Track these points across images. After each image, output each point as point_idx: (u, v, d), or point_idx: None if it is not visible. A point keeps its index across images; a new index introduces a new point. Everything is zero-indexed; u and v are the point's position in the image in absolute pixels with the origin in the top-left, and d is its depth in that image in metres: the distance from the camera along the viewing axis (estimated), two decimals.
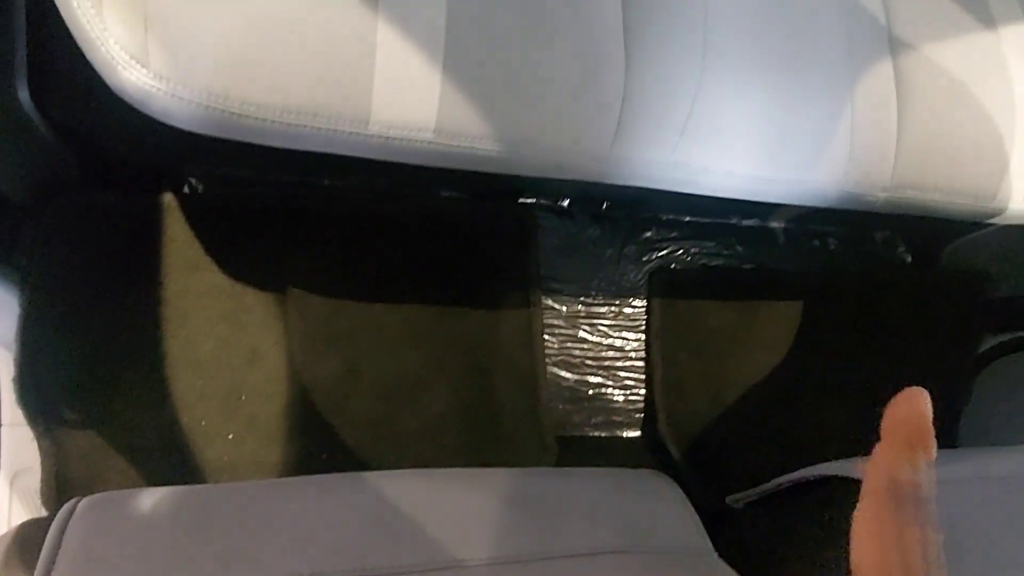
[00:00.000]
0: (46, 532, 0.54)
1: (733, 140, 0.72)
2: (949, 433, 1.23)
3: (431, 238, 1.03)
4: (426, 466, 0.69)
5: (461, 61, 0.62)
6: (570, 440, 1.13)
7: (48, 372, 0.87)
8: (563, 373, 1.15)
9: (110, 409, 0.88)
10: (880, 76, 0.75)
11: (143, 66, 0.56)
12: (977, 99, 0.77)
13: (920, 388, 0.27)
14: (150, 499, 0.58)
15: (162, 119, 0.59)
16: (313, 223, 0.98)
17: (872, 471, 0.25)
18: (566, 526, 0.61)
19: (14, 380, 0.85)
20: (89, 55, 0.57)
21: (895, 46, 0.76)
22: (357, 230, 1.00)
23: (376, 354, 0.99)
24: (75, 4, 0.55)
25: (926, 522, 0.24)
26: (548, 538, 0.60)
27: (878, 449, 0.26)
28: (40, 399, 0.86)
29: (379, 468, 0.73)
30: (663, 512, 0.66)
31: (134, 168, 0.95)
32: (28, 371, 0.85)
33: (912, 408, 0.27)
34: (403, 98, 0.61)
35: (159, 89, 0.56)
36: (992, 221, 0.85)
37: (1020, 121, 0.80)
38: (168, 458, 0.90)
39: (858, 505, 0.25)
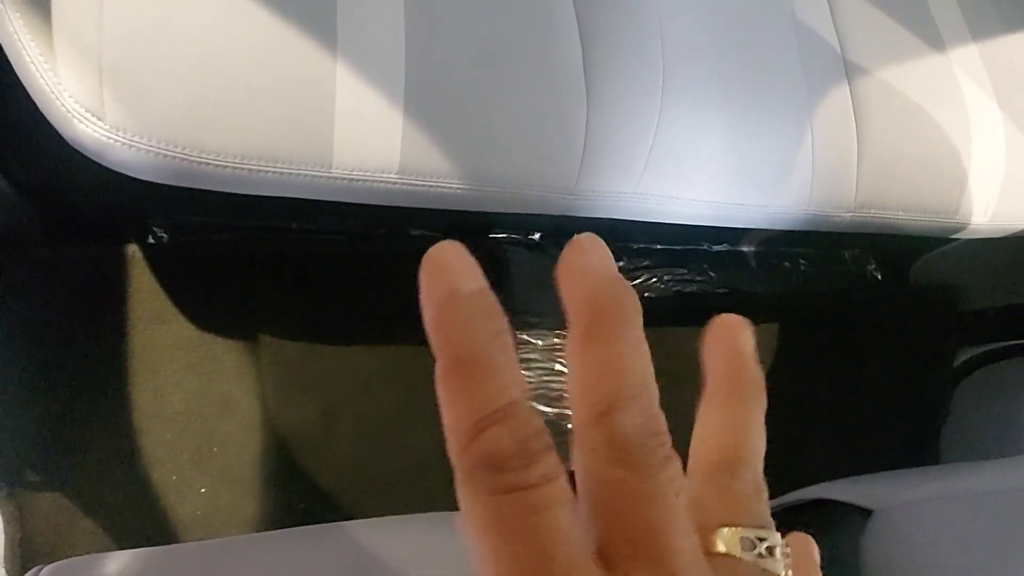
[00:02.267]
0: None
1: (697, 169, 0.73)
2: (931, 448, 1.24)
3: (403, 277, 1.02)
4: (410, 509, 0.68)
5: (422, 101, 0.62)
6: None
7: (9, 433, 0.84)
8: (542, 408, 1.14)
9: (76, 469, 0.86)
10: (837, 100, 0.77)
11: (99, 118, 0.55)
12: (932, 119, 0.79)
13: None
14: (118, 563, 0.56)
15: (121, 170, 0.58)
16: (282, 267, 0.97)
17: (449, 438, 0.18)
18: None
19: None
20: (45, 110, 0.56)
21: (850, 71, 0.78)
22: (327, 272, 0.99)
23: (352, 396, 0.97)
24: (28, 59, 0.54)
25: (557, 507, 0.17)
26: None
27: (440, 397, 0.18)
28: (2, 462, 0.83)
29: (361, 515, 0.71)
30: None
31: (96, 220, 0.94)
32: None
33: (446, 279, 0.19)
34: (365, 139, 0.61)
35: (116, 140, 0.55)
36: (956, 236, 0.87)
37: (975, 138, 0.81)
38: (139, 516, 0.87)
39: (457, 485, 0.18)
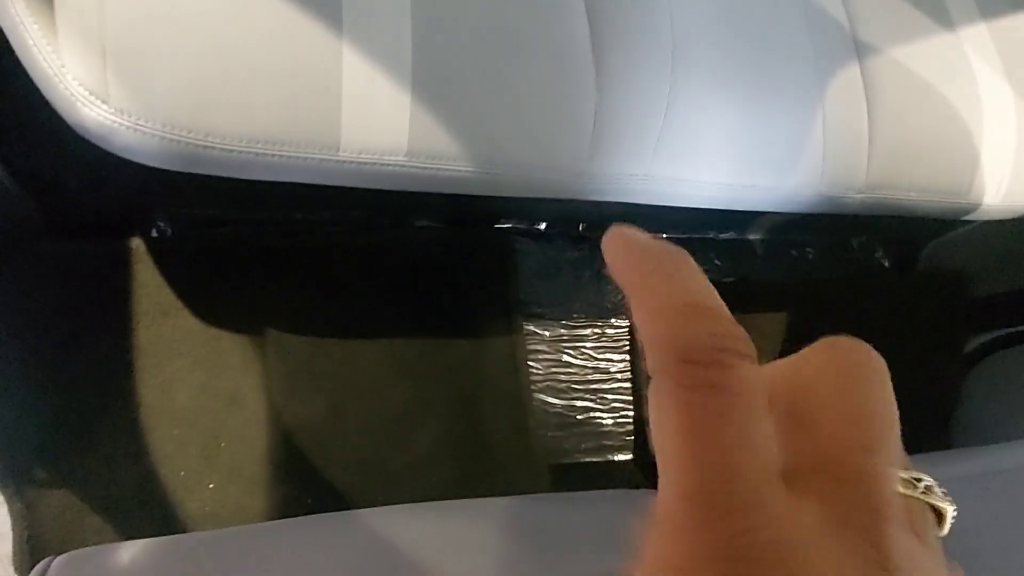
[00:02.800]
0: None
1: (707, 150, 0.72)
2: (941, 435, 1.23)
3: (409, 269, 1.02)
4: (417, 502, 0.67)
5: (430, 82, 0.61)
6: (562, 467, 1.11)
7: (16, 430, 0.83)
8: (550, 399, 1.13)
9: (83, 465, 0.85)
10: (848, 80, 0.76)
11: (103, 101, 0.54)
12: (944, 97, 0.78)
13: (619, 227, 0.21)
14: (129, 553, 0.55)
15: (125, 155, 0.57)
16: (287, 260, 0.96)
17: (647, 342, 0.18)
18: (572, 553, 0.59)
19: None
20: (47, 93, 0.55)
21: (860, 50, 0.77)
22: (333, 265, 0.98)
23: (359, 391, 0.96)
24: (31, 42, 0.54)
25: (750, 417, 0.16)
26: (555, 566, 0.57)
27: (634, 312, 0.18)
28: (8, 459, 0.82)
29: (368, 508, 0.70)
30: None
31: (99, 214, 0.93)
32: None
33: (628, 237, 0.19)
34: (373, 121, 0.60)
35: (121, 124, 0.55)
36: (968, 217, 0.86)
37: (987, 118, 0.81)
38: (147, 512, 0.86)
39: (650, 386, 0.18)
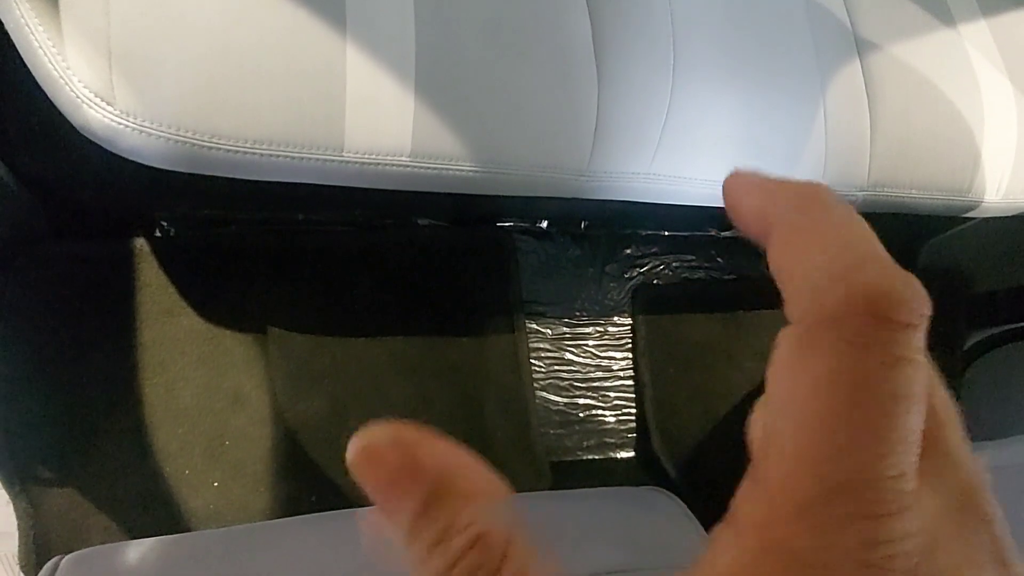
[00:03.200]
0: None
1: (709, 148, 0.72)
2: None
3: (411, 268, 1.02)
4: None
5: (434, 82, 0.62)
6: (564, 465, 1.11)
7: (22, 430, 0.84)
8: (552, 397, 1.13)
9: (88, 464, 0.85)
10: (849, 77, 0.76)
11: (109, 103, 0.55)
12: (945, 95, 0.79)
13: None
14: (137, 551, 0.56)
15: (131, 157, 0.58)
16: (290, 259, 0.96)
17: (805, 283, 0.14)
18: (572, 549, 0.59)
19: None
20: (53, 95, 0.56)
21: (862, 48, 0.78)
22: (335, 264, 0.98)
23: (361, 389, 0.97)
24: (36, 44, 0.54)
25: (922, 403, 0.13)
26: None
27: (780, 254, 0.15)
28: (14, 459, 0.83)
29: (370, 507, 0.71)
30: (669, 528, 0.64)
31: (103, 214, 0.93)
32: (0, 430, 0.82)
33: (757, 177, 0.16)
34: (377, 122, 0.60)
35: (126, 126, 0.55)
36: (969, 215, 0.86)
37: (988, 115, 0.81)
38: (152, 511, 0.86)
39: (787, 335, 0.15)
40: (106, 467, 0.86)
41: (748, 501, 0.15)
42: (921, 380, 0.14)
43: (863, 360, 0.13)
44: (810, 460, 0.14)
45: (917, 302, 0.14)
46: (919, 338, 0.14)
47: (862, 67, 0.77)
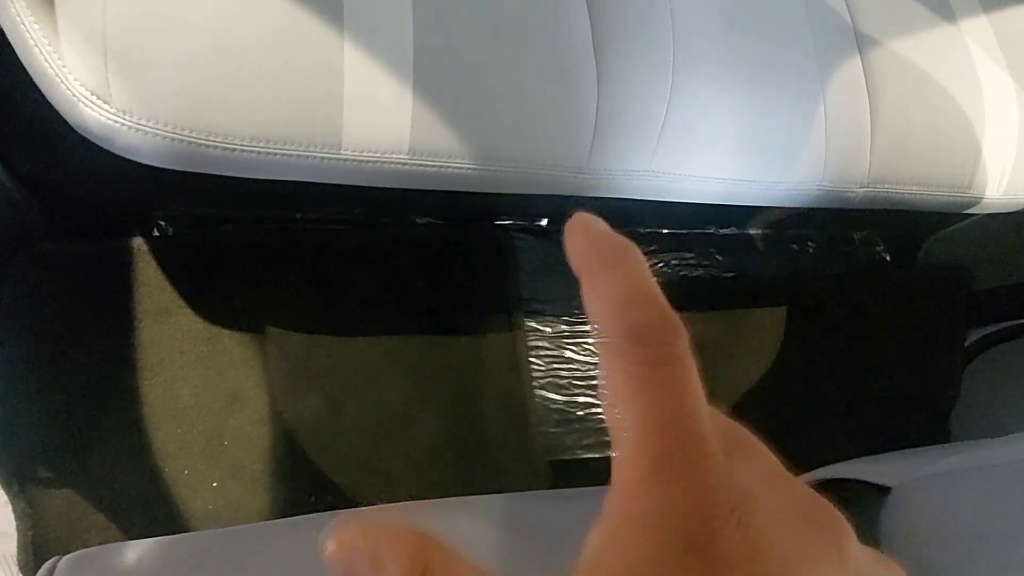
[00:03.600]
0: None
1: (709, 145, 0.72)
2: (940, 429, 1.23)
3: (408, 266, 1.01)
4: (417, 499, 0.67)
5: (432, 80, 0.61)
6: (562, 464, 1.11)
7: (19, 430, 0.83)
8: (551, 395, 1.13)
9: (87, 464, 0.85)
10: (849, 73, 0.76)
11: (105, 102, 0.54)
12: (946, 91, 0.78)
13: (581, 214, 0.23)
14: (136, 552, 0.55)
15: (127, 155, 0.57)
16: (287, 258, 0.96)
17: (599, 319, 0.20)
18: (573, 549, 0.59)
19: None
20: (49, 94, 0.55)
21: (862, 43, 0.77)
22: (333, 262, 0.98)
23: (359, 389, 0.96)
24: (32, 42, 0.53)
25: (700, 387, 0.19)
26: (556, 563, 0.57)
27: (587, 297, 0.21)
28: (12, 459, 0.82)
29: (369, 506, 0.70)
30: None
31: (100, 213, 0.93)
32: None
33: (587, 227, 0.21)
34: (374, 120, 0.60)
35: (123, 124, 0.55)
36: (969, 212, 0.86)
37: (988, 111, 0.81)
38: (150, 511, 0.86)
39: (602, 364, 0.20)
40: (104, 467, 0.86)
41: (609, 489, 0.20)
42: (690, 373, 0.19)
43: (643, 369, 0.18)
44: (634, 442, 0.18)
45: (667, 329, 0.19)
46: (677, 349, 0.19)
47: (862, 63, 0.77)
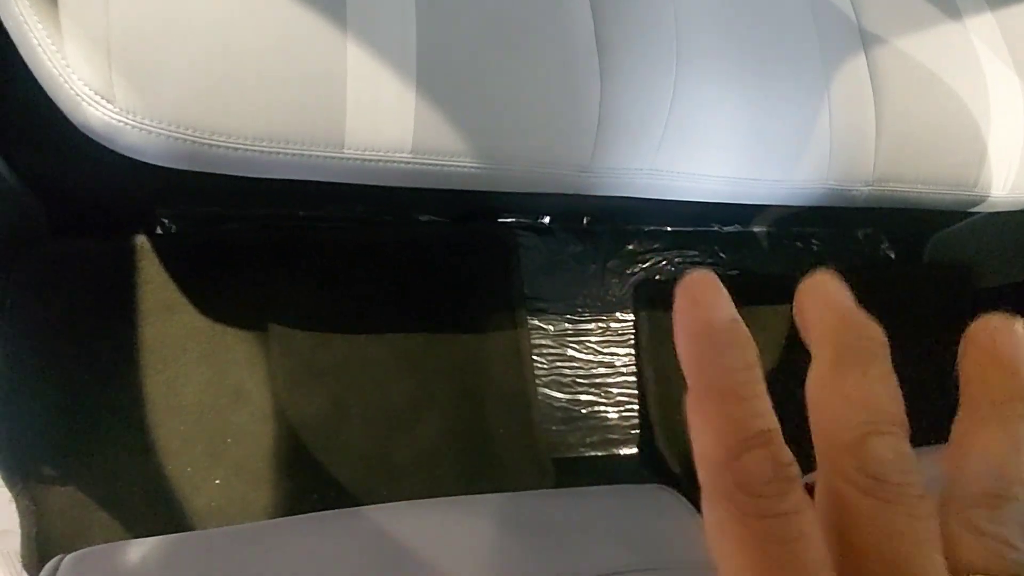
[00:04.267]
0: None
1: (713, 144, 0.72)
2: (947, 427, 1.23)
3: (412, 264, 1.01)
4: (420, 498, 0.67)
5: (435, 79, 0.61)
6: (567, 462, 1.11)
7: (23, 428, 0.83)
8: (554, 393, 1.13)
9: (90, 462, 0.85)
10: (854, 71, 0.76)
11: (109, 101, 0.54)
12: (951, 89, 0.78)
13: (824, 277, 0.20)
14: (139, 550, 0.55)
15: (131, 155, 0.57)
16: (291, 256, 0.96)
17: (701, 457, 0.18)
18: (577, 548, 0.59)
19: None
20: (53, 94, 0.55)
21: (867, 41, 0.77)
22: (337, 260, 0.98)
23: (363, 386, 0.97)
24: (36, 42, 0.53)
25: (812, 539, 0.17)
26: (559, 562, 0.57)
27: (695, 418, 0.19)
28: (15, 457, 0.83)
29: (373, 504, 0.71)
30: (675, 526, 0.64)
31: (104, 212, 0.93)
32: (1, 428, 0.82)
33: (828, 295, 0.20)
34: (377, 119, 0.60)
35: (126, 123, 0.55)
36: (975, 210, 0.86)
37: (994, 109, 0.80)
38: (154, 509, 0.86)
39: (705, 502, 0.18)
40: (108, 465, 0.86)
41: None
42: (807, 523, 0.17)
43: (757, 526, 0.17)
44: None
45: (782, 469, 0.17)
46: (789, 497, 0.17)
47: (867, 60, 0.76)
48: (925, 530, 0.17)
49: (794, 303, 0.21)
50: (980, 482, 0.19)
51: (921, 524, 0.17)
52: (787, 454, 0.17)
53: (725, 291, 0.19)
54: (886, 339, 0.19)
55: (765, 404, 0.18)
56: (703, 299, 0.19)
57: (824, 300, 0.20)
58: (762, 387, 0.18)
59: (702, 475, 0.18)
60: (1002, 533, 0.18)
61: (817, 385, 0.19)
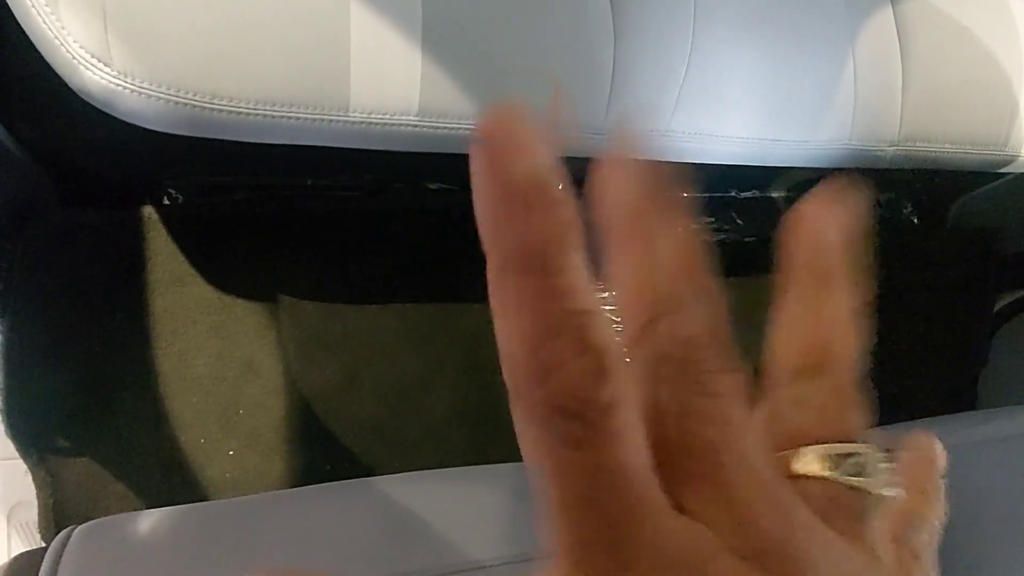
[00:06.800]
0: (41, 563, 0.51)
1: (732, 103, 0.69)
2: (967, 395, 1.21)
3: (422, 234, 1.00)
4: (431, 468, 0.67)
5: (441, 39, 0.59)
6: None
7: (37, 400, 0.83)
8: None
9: (105, 434, 0.85)
10: (881, 26, 0.72)
11: (105, 64, 0.53)
12: (982, 43, 0.74)
13: None
14: (149, 521, 0.55)
15: (131, 120, 0.56)
16: (299, 226, 0.95)
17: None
18: None
19: (1, 411, 0.81)
20: (49, 57, 0.54)
21: None
22: (346, 230, 0.97)
23: (374, 357, 0.96)
24: (30, 3, 0.52)
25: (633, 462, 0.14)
26: None
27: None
28: (30, 429, 0.83)
29: (384, 475, 0.70)
30: None
31: (110, 182, 0.92)
32: (15, 401, 0.82)
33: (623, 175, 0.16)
34: (383, 81, 0.58)
35: (124, 87, 0.53)
36: (1005, 170, 0.82)
37: None
38: (168, 480, 0.86)
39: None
40: (122, 436, 0.86)
41: None
42: (618, 424, 0.14)
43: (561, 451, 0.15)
44: (567, 550, 0.15)
45: (590, 387, 0.14)
46: (602, 395, 0.14)
47: (894, 12, 0.73)
48: (735, 408, 0.15)
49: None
50: (804, 354, 0.18)
51: (723, 401, 0.15)
52: (603, 337, 0.14)
53: (536, 134, 0.15)
54: (679, 198, 0.17)
55: (577, 278, 0.14)
56: (503, 149, 0.15)
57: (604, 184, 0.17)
58: (577, 258, 0.14)
59: (506, 375, 0.15)
60: (825, 399, 0.18)
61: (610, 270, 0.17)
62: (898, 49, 0.72)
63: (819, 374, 0.18)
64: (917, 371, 1.19)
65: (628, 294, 0.16)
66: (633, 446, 0.15)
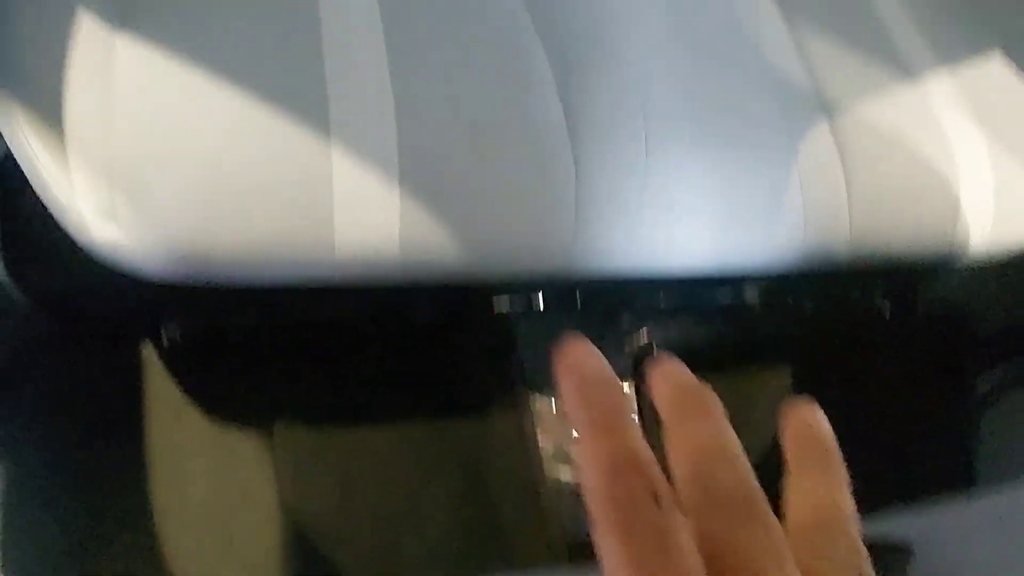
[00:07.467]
0: None
1: (687, 218, 0.75)
2: (963, 477, 1.21)
3: (411, 350, 1.03)
4: None
5: (417, 179, 0.65)
6: (581, 545, 1.09)
7: (29, 535, 0.84)
8: (563, 474, 1.12)
9: (100, 566, 0.86)
10: (818, 136, 0.79)
11: (113, 223, 0.58)
12: (914, 148, 0.81)
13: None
14: None
15: (134, 274, 0.61)
16: (292, 355, 0.98)
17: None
18: None
19: None
20: (59, 217, 0.59)
21: (828, 107, 0.80)
22: (335, 355, 1.00)
23: (370, 478, 0.97)
24: (43, 171, 0.57)
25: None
26: None
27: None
28: (29, 566, 0.83)
29: None
30: None
31: (110, 323, 0.96)
32: (12, 548, 0.83)
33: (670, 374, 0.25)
34: (365, 220, 0.63)
35: (130, 245, 0.58)
36: (958, 263, 0.87)
37: (961, 164, 0.82)
38: None
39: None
40: (118, 569, 0.86)
41: None
42: (678, 537, 0.19)
43: (629, 539, 0.20)
44: None
45: (648, 498, 0.20)
46: (661, 516, 0.19)
47: (830, 125, 0.79)
48: (783, 545, 0.20)
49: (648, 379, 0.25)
50: (818, 513, 0.23)
51: (778, 536, 0.20)
52: (658, 479, 0.20)
53: (596, 350, 0.23)
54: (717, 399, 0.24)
55: (634, 437, 0.21)
56: (576, 359, 0.23)
57: (664, 374, 0.25)
58: (634, 425, 0.21)
59: (588, 506, 0.20)
60: (841, 552, 0.22)
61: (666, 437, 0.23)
62: (839, 160, 0.78)
63: (835, 530, 0.23)
64: (907, 456, 1.20)
65: (685, 449, 0.23)
66: (689, 553, 0.19)
